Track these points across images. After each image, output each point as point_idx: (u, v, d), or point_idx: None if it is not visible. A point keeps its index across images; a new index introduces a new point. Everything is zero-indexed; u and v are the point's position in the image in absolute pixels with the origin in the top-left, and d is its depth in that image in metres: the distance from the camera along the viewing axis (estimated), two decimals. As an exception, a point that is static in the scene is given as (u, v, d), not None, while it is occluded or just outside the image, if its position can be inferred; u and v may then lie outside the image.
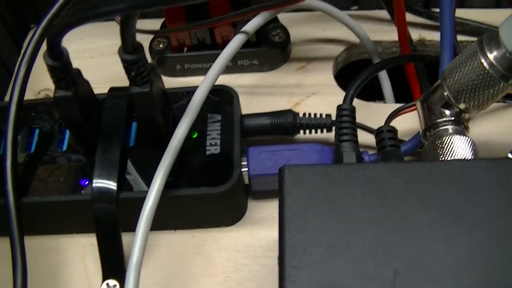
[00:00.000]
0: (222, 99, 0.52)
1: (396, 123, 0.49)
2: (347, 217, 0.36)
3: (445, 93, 0.45)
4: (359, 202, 0.37)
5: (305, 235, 0.36)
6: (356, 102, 0.56)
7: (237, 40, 0.51)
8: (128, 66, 0.42)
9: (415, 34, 0.65)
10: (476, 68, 0.42)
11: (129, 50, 0.42)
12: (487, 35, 0.42)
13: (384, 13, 0.63)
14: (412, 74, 0.60)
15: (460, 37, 0.63)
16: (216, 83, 0.50)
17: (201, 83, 0.48)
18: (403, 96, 0.61)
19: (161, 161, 0.45)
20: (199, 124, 0.50)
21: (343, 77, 0.64)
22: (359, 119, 0.51)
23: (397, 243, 0.35)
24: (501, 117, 0.59)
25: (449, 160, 0.43)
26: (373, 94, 0.65)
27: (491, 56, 0.41)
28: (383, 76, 0.63)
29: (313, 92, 0.60)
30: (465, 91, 0.43)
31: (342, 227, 0.36)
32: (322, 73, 0.63)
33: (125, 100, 0.49)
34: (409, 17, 0.65)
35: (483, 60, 0.41)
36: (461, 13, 0.66)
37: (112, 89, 0.51)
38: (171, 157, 0.45)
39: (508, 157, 0.45)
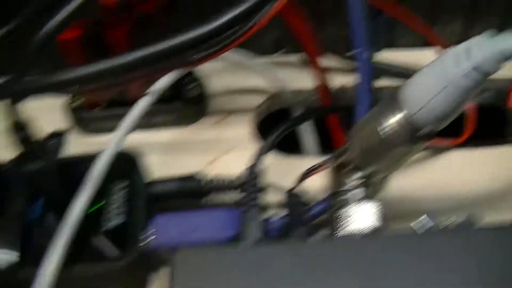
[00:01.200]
0: (127, 165, 0.51)
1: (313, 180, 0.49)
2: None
3: (351, 156, 0.43)
4: (247, 286, 0.36)
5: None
6: (274, 157, 0.56)
7: (142, 104, 0.50)
8: (20, 143, 0.41)
9: (338, 81, 0.65)
10: (379, 132, 0.40)
11: (18, 129, 0.40)
12: (390, 99, 0.41)
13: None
14: (334, 124, 0.59)
15: (386, 82, 0.63)
16: (126, 142, 0.49)
17: (103, 152, 0.47)
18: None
19: (57, 238, 0.43)
20: (104, 193, 0.48)
21: (267, 126, 0.63)
22: (276, 175, 0.50)
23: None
24: (424, 168, 0.59)
25: (340, 237, 0.42)
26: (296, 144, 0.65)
27: (394, 119, 0.40)
28: (304, 128, 0.62)
29: (230, 148, 0.60)
30: (370, 155, 0.42)
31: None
32: (240, 126, 0.62)
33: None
34: (332, 62, 0.64)
35: (385, 124, 0.40)
36: (389, 54, 0.66)
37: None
38: (68, 232, 0.44)
39: (412, 229, 0.44)
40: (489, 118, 0.65)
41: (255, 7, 0.37)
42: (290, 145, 0.65)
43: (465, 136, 0.59)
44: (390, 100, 0.40)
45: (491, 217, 0.47)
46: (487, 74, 0.35)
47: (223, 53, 0.43)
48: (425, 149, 0.57)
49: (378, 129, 0.40)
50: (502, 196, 0.55)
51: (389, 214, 0.50)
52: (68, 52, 0.54)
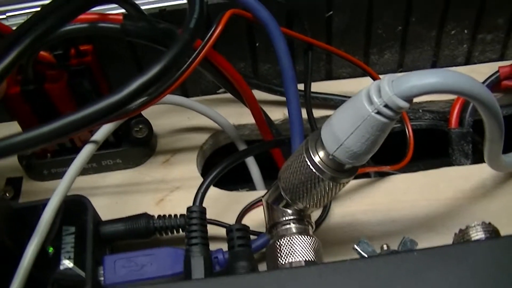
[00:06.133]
0: (76, 209, 0.52)
1: (256, 214, 0.52)
2: None
3: (282, 193, 0.45)
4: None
5: None
6: (218, 192, 0.58)
7: (85, 152, 0.52)
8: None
9: (279, 114, 0.67)
10: (303, 170, 0.42)
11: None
12: (313, 136, 0.43)
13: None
14: (277, 157, 0.61)
15: (325, 112, 0.65)
16: (77, 185, 0.51)
17: (51, 198, 0.48)
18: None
19: (11, 283, 0.45)
20: (54, 237, 0.50)
21: (214, 162, 0.65)
22: (221, 210, 0.52)
23: None
24: (365, 194, 0.60)
25: (278, 270, 0.44)
26: (243, 177, 0.67)
27: (316, 157, 0.42)
28: (250, 161, 0.64)
29: (177, 187, 0.61)
30: (298, 191, 0.44)
31: None
32: (187, 164, 0.64)
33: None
34: (271, 96, 0.66)
35: (308, 162, 0.42)
36: (328, 85, 0.68)
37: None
38: (20, 279, 0.45)
39: (353, 258, 0.46)
40: (431, 140, 0.67)
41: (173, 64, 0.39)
42: (240, 179, 0.67)
43: (405, 161, 0.61)
44: (313, 138, 0.42)
45: (431, 240, 0.49)
46: (398, 109, 0.37)
47: (156, 102, 0.45)
48: (367, 175, 0.60)
49: (303, 167, 0.42)
50: (442, 218, 0.58)
51: (330, 239, 0.52)
52: (13, 106, 0.56)
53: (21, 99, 0.55)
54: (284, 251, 0.44)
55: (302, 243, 0.44)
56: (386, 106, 0.36)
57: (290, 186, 0.44)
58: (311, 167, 0.41)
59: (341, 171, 0.41)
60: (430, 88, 0.36)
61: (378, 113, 0.37)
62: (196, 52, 0.46)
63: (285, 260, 0.44)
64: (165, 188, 0.61)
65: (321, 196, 0.43)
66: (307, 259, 0.44)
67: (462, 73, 0.37)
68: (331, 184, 0.42)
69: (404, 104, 0.36)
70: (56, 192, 0.49)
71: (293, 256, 0.44)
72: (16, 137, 0.37)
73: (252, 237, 0.50)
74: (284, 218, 0.46)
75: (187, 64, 0.46)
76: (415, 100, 0.60)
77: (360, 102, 0.37)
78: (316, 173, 0.41)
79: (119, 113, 0.39)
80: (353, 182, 0.60)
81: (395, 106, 0.36)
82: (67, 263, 0.49)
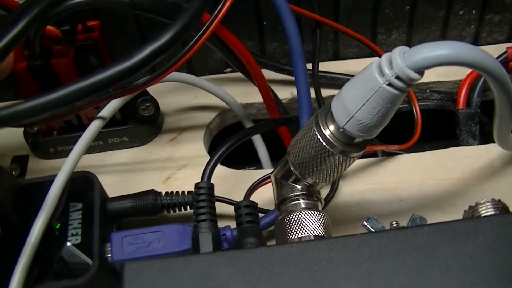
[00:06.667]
0: (83, 186, 0.52)
1: (264, 191, 0.51)
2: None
3: (292, 168, 0.45)
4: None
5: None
6: (226, 171, 0.57)
7: (92, 128, 0.52)
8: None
9: (287, 93, 0.66)
10: (313, 143, 0.42)
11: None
12: (323, 109, 0.42)
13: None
14: (284, 136, 0.61)
15: (333, 91, 0.65)
16: (84, 163, 0.52)
17: (58, 174, 0.48)
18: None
19: (18, 260, 0.45)
20: (61, 214, 0.50)
21: (221, 141, 0.65)
22: (228, 188, 0.52)
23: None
24: (373, 173, 0.60)
25: (287, 244, 0.43)
26: (251, 157, 0.66)
27: (326, 131, 0.41)
28: (257, 140, 0.64)
29: (184, 165, 0.61)
30: (308, 165, 0.44)
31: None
32: (194, 143, 0.64)
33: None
34: (279, 75, 0.66)
35: (319, 136, 0.41)
36: (335, 65, 0.68)
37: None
38: (28, 255, 0.45)
39: (364, 225, 0.46)
40: (439, 121, 0.67)
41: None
42: (248, 158, 0.67)
43: (413, 140, 0.61)
44: (323, 111, 0.42)
45: (439, 219, 0.49)
46: (409, 81, 0.36)
47: (163, 77, 0.45)
48: (374, 154, 0.60)
49: (313, 140, 0.42)
50: (450, 197, 0.57)
51: (338, 217, 0.52)
52: (19, 82, 0.55)
53: (27, 75, 0.54)
54: (293, 226, 0.44)
55: (312, 218, 0.44)
56: (397, 77, 0.36)
57: (299, 160, 0.43)
58: (321, 140, 0.41)
59: (351, 144, 0.41)
60: (442, 59, 0.36)
61: (390, 85, 0.36)
62: (205, 26, 0.46)
63: (294, 235, 0.44)
64: (172, 166, 0.61)
65: (330, 170, 0.43)
66: (317, 235, 0.43)
67: (474, 46, 0.37)
68: (341, 158, 0.42)
69: (415, 76, 0.36)
70: (63, 168, 0.48)
71: (302, 231, 0.44)
72: (24, 104, 0.37)
73: (260, 215, 0.49)
74: (293, 194, 0.46)
75: (196, 39, 0.45)
76: (423, 80, 0.61)
77: (371, 74, 0.37)
78: (326, 146, 0.41)
79: (128, 81, 0.39)
80: (361, 161, 0.60)
81: (406, 78, 0.36)
82: (74, 240, 0.49)
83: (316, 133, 0.41)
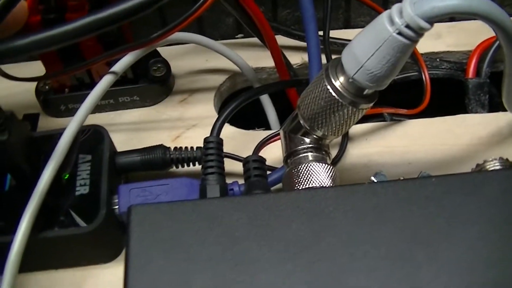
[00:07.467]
0: (92, 139, 0.53)
1: (272, 150, 0.51)
2: (189, 255, 0.37)
3: (301, 121, 0.45)
4: (201, 239, 0.37)
5: (147, 275, 0.36)
6: (235, 131, 0.58)
7: (104, 82, 0.52)
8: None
9: (297, 58, 0.67)
10: (324, 95, 0.42)
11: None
12: (333, 62, 0.43)
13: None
14: (295, 99, 0.61)
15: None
16: (94, 122, 0.53)
17: (68, 126, 0.48)
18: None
19: (27, 206, 0.45)
20: (70, 165, 0.50)
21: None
22: (237, 148, 0.52)
23: (237, 279, 0.36)
24: (381, 136, 0.60)
25: (295, 190, 0.44)
26: (260, 120, 0.67)
27: (337, 82, 0.42)
28: (266, 102, 0.64)
29: (194, 124, 0.61)
30: (317, 118, 0.44)
31: (183, 265, 0.36)
32: (204, 104, 0.64)
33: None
34: (289, 41, 0.66)
35: (329, 87, 0.42)
36: (346, 34, 0.68)
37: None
38: (36, 202, 0.45)
39: (371, 181, 0.46)
40: (448, 91, 0.67)
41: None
42: (256, 121, 0.67)
43: (422, 106, 0.61)
44: (333, 64, 0.42)
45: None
46: (419, 30, 0.36)
47: (175, 31, 0.45)
48: (382, 117, 0.60)
49: (323, 92, 0.42)
50: (458, 162, 0.58)
51: (346, 178, 0.52)
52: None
53: (41, 28, 0.55)
54: (301, 177, 0.44)
55: (320, 170, 0.44)
56: (407, 26, 0.36)
57: (309, 113, 0.44)
58: (332, 91, 0.41)
59: (361, 96, 0.41)
60: (452, 8, 0.36)
61: (400, 33, 0.37)
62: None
63: (303, 186, 0.44)
64: (182, 125, 0.61)
65: (340, 123, 0.43)
66: (325, 185, 0.44)
67: (485, -2, 0.37)
68: (351, 109, 0.42)
69: (425, 25, 0.36)
70: (73, 119, 0.49)
71: (310, 183, 0.44)
72: (24, 39, 0.37)
73: (268, 173, 0.49)
74: (302, 147, 0.46)
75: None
76: (433, 49, 0.61)
77: (382, 24, 0.37)
78: (337, 97, 0.41)
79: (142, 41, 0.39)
80: (369, 125, 0.60)
81: (416, 27, 0.36)
82: (82, 190, 0.49)
83: (326, 84, 0.42)
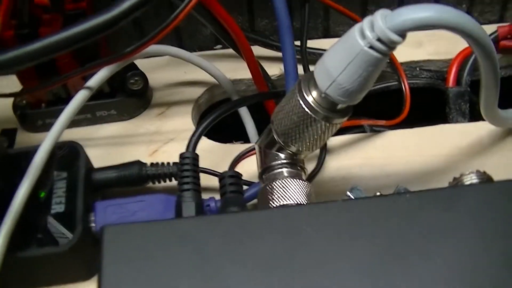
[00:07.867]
0: (68, 155, 0.52)
1: (249, 164, 0.51)
2: (162, 275, 0.36)
3: (275, 136, 0.45)
4: (175, 259, 0.37)
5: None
6: (213, 144, 0.57)
7: (78, 97, 0.52)
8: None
9: (276, 69, 0.66)
10: (296, 110, 0.42)
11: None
12: (306, 76, 0.42)
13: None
14: (272, 111, 0.60)
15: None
16: (71, 137, 0.52)
17: (42, 142, 0.48)
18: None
19: (1, 224, 0.45)
20: (46, 183, 0.50)
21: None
22: (215, 161, 0.52)
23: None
24: (361, 148, 0.60)
25: (269, 209, 0.43)
26: (239, 132, 0.66)
27: (309, 97, 0.41)
28: (244, 114, 0.64)
29: (171, 138, 0.61)
30: (291, 133, 0.43)
31: (155, 285, 0.36)
32: (182, 117, 0.63)
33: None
34: (267, 52, 0.66)
35: (301, 102, 0.41)
36: (325, 43, 0.67)
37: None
38: (10, 220, 0.45)
39: (347, 197, 0.45)
40: (428, 101, 0.67)
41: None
42: (235, 133, 0.67)
43: (401, 117, 0.61)
44: (306, 78, 0.42)
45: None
46: (391, 44, 0.36)
47: (151, 44, 0.45)
48: (361, 128, 0.59)
49: (296, 107, 0.42)
50: (438, 173, 0.57)
51: (324, 192, 0.52)
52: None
53: (15, 43, 0.54)
54: (276, 194, 0.44)
55: (294, 186, 0.44)
56: (379, 40, 0.36)
57: (283, 128, 0.43)
58: (304, 107, 0.41)
59: (334, 111, 0.41)
60: (423, 21, 0.35)
61: (371, 47, 0.36)
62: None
63: (277, 203, 0.43)
64: (159, 139, 0.61)
65: (314, 138, 0.43)
66: (299, 203, 0.43)
67: (457, 10, 0.36)
68: (324, 125, 0.41)
69: (397, 38, 0.36)
70: (48, 136, 0.48)
71: (284, 199, 0.43)
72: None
73: (244, 188, 0.49)
74: (276, 162, 0.46)
75: (183, 5, 0.45)
76: (412, 58, 0.61)
77: (353, 38, 0.37)
78: (309, 112, 0.41)
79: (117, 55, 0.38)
80: (348, 137, 0.60)
81: (388, 40, 0.36)
82: (58, 208, 0.49)
83: (299, 99, 0.41)
